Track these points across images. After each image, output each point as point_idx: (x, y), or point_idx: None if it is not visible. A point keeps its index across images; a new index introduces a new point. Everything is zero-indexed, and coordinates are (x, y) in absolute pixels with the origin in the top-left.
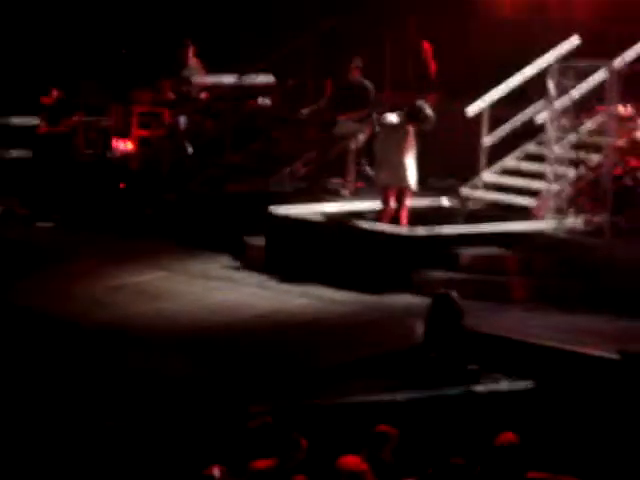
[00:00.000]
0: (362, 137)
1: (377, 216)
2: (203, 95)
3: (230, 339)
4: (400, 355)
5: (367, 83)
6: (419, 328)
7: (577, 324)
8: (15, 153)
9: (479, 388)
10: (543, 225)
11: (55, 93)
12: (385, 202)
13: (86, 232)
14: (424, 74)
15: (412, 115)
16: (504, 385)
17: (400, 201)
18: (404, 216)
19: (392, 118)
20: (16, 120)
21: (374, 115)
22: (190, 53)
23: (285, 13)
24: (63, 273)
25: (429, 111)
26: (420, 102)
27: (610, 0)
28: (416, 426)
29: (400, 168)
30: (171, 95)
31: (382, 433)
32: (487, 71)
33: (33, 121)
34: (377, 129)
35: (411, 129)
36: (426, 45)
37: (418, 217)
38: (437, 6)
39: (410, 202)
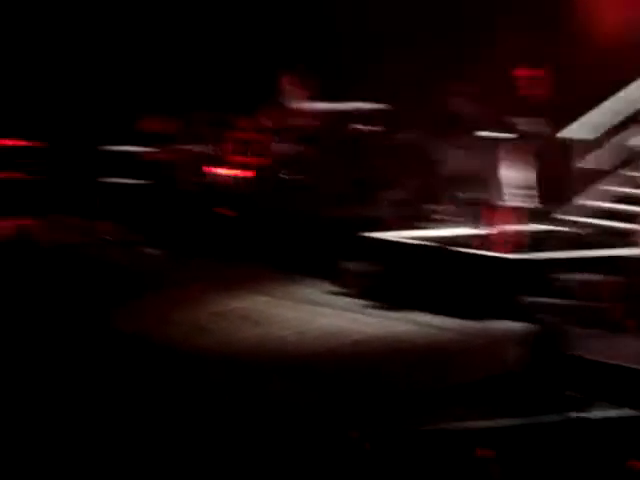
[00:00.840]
0: (462, 163)
1: (480, 238)
2: (304, 122)
3: (334, 364)
4: (501, 381)
5: (467, 111)
6: (521, 354)
7: None
8: (122, 180)
9: (579, 415)
10: None
11: (163, 121)
12: (489, 222)
13: (192, 258)
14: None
15: (525, 133)
16: (606, 413)
17: (505, 221)
18: (510, 236)
19: (503, 135)
20: (126, 148)
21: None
22: (292, 81)
23: (393, 38)
24: (168, 299)
25: (536, 128)
26: (526, 120)
27: None
28: (515, 453)
29: (501, 186)
30: (273, 122)
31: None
32: (586, 98)
33: (140, 149)
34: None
35: (524, 147)
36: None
37: (521, 242)
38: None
39: (515, 224)
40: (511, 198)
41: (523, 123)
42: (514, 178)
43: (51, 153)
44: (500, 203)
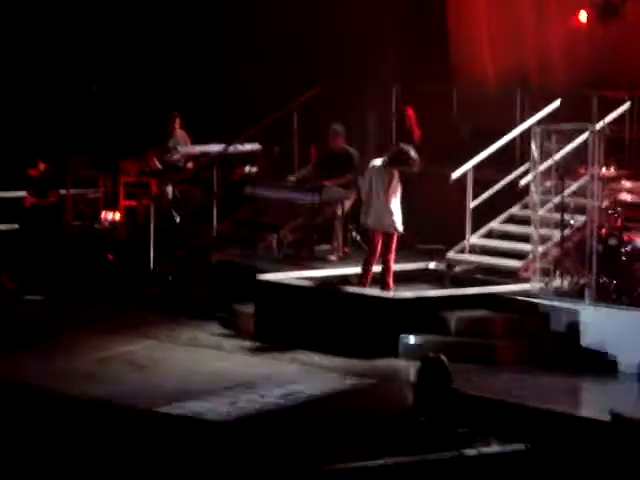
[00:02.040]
0: (348, 203)
1: (363, 263)
2: (190, 164)
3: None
4: (390, 420)
5: (350, 149)
6: (408, 392)
7: (564, 386)
8: (2, 226)
9: (470, 451)
10: (529, 287)
11: (42, 166)
12: (373, 246)
13: (75, 304)
14: (408, 139)
15: (396, 158)
16: (495, 448)
17: (387, 245)
18: (390, 260)
19: (377, 162)
20: (2, 193)
21: (359, 179)
22: (176, 124)
23: (270, 81)
24: (53, 346)
25: (413, 153)
26: (404, 145)
27: (590, 66)
28: None
29: (386, 212)
30: (158, 165)
31: None
32: (470, 137)
33: (19, 194)
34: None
35: (396, 172)
36: (410, 111)
37: (405, 280)
38: (420, 73)
39: (394, 255)
40: (380, 220)
41: (396, 148)
42: (397, 203)
43: None
44: (375, 224)
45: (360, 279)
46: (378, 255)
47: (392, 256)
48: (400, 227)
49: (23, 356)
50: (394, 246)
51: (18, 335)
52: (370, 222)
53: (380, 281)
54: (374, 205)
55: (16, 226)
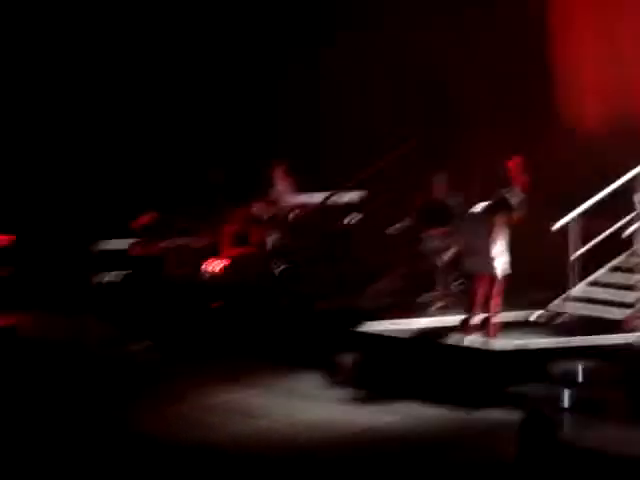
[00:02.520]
0: (450, 252)
1: (466, 309)
2: (293, 214)
3: (323, 457)
4: (493, 473)
5: (451, 199)
6: (513, 444)
7: None
8: (110, 277)
9: None
10: (636, 337)
11: (149, 216)
12: (472, 290)
13: (179, 353)
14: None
15: (498, 205)
16: None
17: (489, 290)
18: (492, 306)
19: (478, 208)
20: (111, 244)
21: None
22: (280, 172)
23: (379, 127)
24: (163, 394)
25: (514, 200)
26: (505, 191)
27: None
28: None
29: (485, 255)
30: (262, 214)
31: None
32: (578, 185)
33: (126, 244)
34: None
35: (498, 219)
36: (513, 161)
37: (510, 330)
38: (522, 119)
39: (498, 301)
40: (498, 268)
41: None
42: (498, 247)
43: (38, 248)
44: (473, 266)
45: (463, 325)
46: (480, 301)
47: (494, 302)
48: (499, 272)
49: (134, 404)
50: (495, 292)
51: (120, 386)
52: (468, 266)
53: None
54: (473, 250)
55: (123, 276)
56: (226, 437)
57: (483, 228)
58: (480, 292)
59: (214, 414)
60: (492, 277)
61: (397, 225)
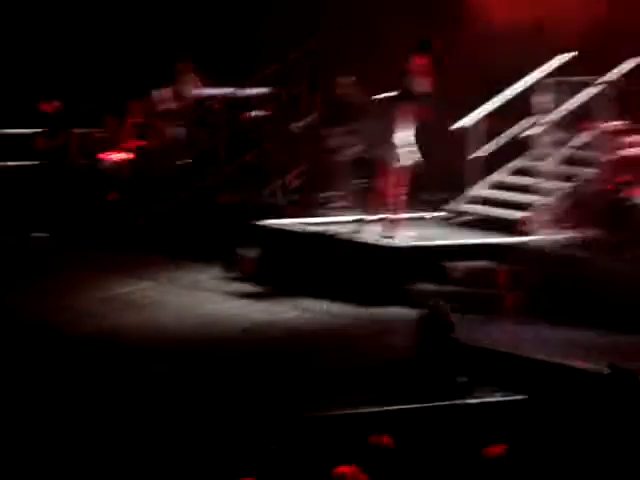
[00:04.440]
0: (354, 149)
1: (369, 195)
2: (198, 106)
3: (220, 350)
4: (392, 367)
5: (357, 98)
6: (411, 340)
7: (567, 338)
8: (13, 163)
9: (469, 400)
10: (534, 239)
11: (56, 103)
12: (380, 177)
13: (78, 243)
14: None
15: (403, 93)
16: (493, 397)
17: (393, 179)
18: (398, 196)
19: (384, 95)
20: (15, 131)
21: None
22: (186, 66)
23: (282, 26)
24: (56, 284)
25: (419, 90)
26: (409, 81)
27: (605, 17)
28: (407, 438)
29: (390, 144)
30: (169, 105)
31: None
32: (481, 85)
33: (31, 131)
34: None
35: (403, 108)
36: (419, 60)
37: (409, 227)
38: (429, 21)
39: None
40: (402, 157)
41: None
42: (403, 137)
43: None
44: (393, 163)
45: (365, 220)
46: (384, 194)
47: (397, 193)
48: (405, 161)
49: (26, 292)
50: (400, 182)
51: (21, 271)
52: (373, 155)
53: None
54: (379, 139)
55: (26, 164)
56: (115, 328)
57: (388, 117)
58: (385, 183)
59: (106, 305)
60: (397, 167)
61: (300, 122)
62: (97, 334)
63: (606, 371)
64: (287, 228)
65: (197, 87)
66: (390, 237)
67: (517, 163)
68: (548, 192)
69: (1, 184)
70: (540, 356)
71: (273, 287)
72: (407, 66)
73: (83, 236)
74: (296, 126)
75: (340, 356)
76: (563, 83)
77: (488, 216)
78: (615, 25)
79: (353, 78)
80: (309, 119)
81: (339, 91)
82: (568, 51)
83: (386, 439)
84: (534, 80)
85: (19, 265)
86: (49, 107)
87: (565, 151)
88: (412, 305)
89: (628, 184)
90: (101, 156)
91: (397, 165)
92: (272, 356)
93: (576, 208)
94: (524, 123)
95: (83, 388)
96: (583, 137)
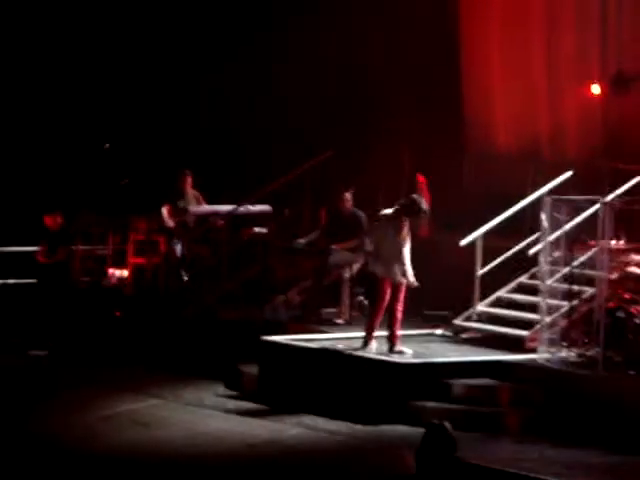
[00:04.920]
0: (356, 266)
1: (372, 311)
2: (199, 224)
3: (220, 469)
4: None
5: (359, 213)
6: (412, 459)
7: (569, 458)
8: (13, 281)
9: None
10: (536, 357)
11: (59, 219)
12: (381, 294)
13: (80, 360)
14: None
15: (408, 207)
16: None
17: (395, 296)
18: (398, 310)
19: (388, 211)
20: (16, 248)
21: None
22: (188, 183)
23: (284, 144)
24: (57, 403)
25: (424, 205)
26: (415, 196)
27: (603, 138)
28: None
29: (396, 261)
30: (168, 223)
31: None
32: (481, 205)
33: (31, 248)
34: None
35: (407, 223)
36: (420, 177)
37: (411, 345)
38: (432, 141)
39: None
40: (408, 273)
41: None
42: (406, 253)
43: None
44: (384, 272)
45: (367, 337)
46: (386, 305)
47: (400, 306)
48: (411, 278)
49: (27, 413)
50: (402, 297)
51: (20, 392)
52: (379, 270)
53: (388, 337)
54: (384, 254)
55: (28, 281)
56: (120, 446)
57: (393, 231)
58: (387, 295)
59: (111, 423)
60: (400, 281)
61: (302, 240)
62: (107, 452)
63: None
64: (288, 344)
65: (200, 203)
66: (400, 352)
67: (521, 281)
68: (551, 310)
69: (1, 302)
70: (543, 476)
71: (275, 404)
72: (416, 183)
73: (83, 353)
74: (299, 242)
75: (338, 476)
76: (563, 202)
77: (493, 333)
78: (612, 144)
79: (350, 194)
80: (312, 235)
81: (341, 206)
82: (568, 169)
83: None
84: (536, 198)
85: (19, 384)
86: (52, 221)
87: (567, 269)
88: (413, 423)
89: (630, 302)
90: (104, 273)
91: (403, 281)
92: (269, 475)
93: (579, 326)
94: (527, 241)
95: None
96: (585, 255)
